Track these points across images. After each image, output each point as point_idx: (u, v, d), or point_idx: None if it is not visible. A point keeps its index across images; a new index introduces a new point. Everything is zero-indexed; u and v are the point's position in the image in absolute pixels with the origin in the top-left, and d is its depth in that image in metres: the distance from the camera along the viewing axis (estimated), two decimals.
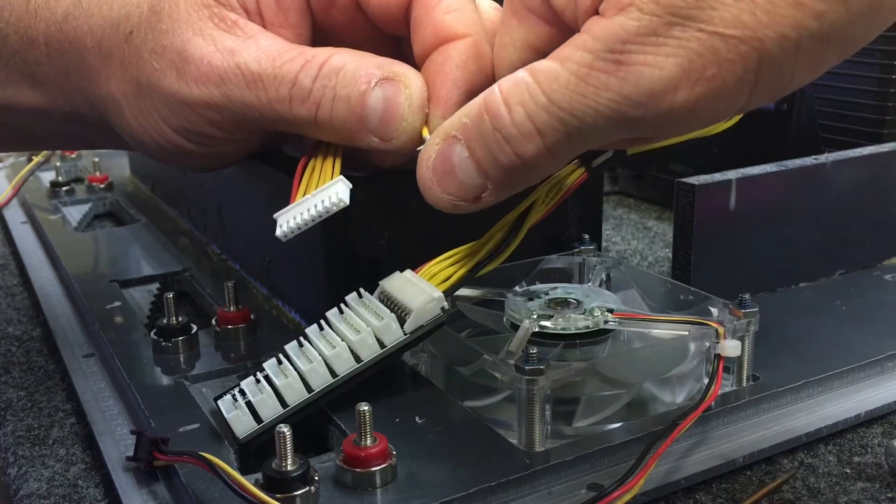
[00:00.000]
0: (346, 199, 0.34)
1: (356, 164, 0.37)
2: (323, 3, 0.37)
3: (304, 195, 0.34)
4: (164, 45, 0.35)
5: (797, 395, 0.36)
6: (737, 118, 0.37)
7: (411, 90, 0.34)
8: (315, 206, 0.34)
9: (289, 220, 0.34)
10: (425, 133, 0.34)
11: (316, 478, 0.29)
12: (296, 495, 0.28)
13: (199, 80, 0.34)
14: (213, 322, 0.42)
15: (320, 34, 0.38)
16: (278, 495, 0.28)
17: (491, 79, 0.36)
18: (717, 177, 0.43)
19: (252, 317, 0.42)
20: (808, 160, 0.47)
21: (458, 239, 0.35)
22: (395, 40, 0.39)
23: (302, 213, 0.34)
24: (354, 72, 0.34)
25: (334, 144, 0.36)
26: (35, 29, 0.37)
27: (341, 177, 0.35)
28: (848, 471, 0.33)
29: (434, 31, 0.35)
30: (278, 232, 0.34)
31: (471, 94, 0.35)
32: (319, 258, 0.40)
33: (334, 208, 0.34)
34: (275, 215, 0.35)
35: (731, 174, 0.44)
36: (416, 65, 0.35)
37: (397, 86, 0.34)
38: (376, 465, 0.29)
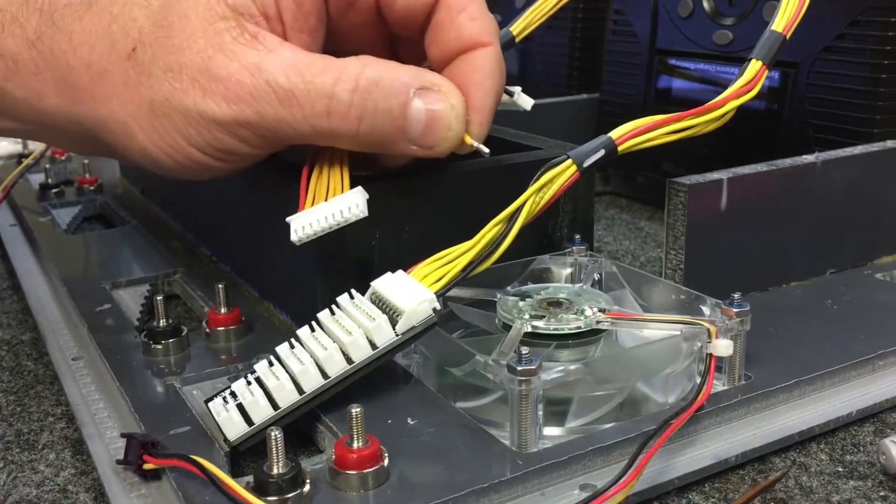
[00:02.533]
0: (366, 211, 0.34)
1: (358, 165, 0.37)
2: (342, 7, 0.37)
3: (313, 200, 0.35)
4: (181, 63, 0.34)
5: (789, 394, 0.36)
6: (728, 118, 0.37)
7: (455, 101, 0.34)
8: (333, 216, 0.34)
9: (304, 226, 0.34)
10: (468, 140, 0.36)
11: (307, 480, 0.29)
12: (287, 498, 0.28)
13: (230, 98, 0.33)
14: (204, 324, 0.42)
15: (326, 37, 0.38)
16: (269, 498, 0.28)
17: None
18: (709, 176, 0.44)
19: (243, 319, 0.42)
20: (799, 159, 0.47)
21: (449, 239, 0.35)
22: (390, 41, 0.39)
23: (319, 221, 0.34)
24: (392, 83, 0.33)
25: (340, 149, 0.36)
26: (2, 46, 0.35)
27: (360, 187, 0.35)
28: (840, 469, 0.33)
29: (458, 36, 0.36)
30: (293, 237, 0.34)
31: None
32: (311, 260, 0.39)
33: (353, 219, 0.34)
34: (288, 219, 0.35)
35: (723, 174, 0.44)
36: (420, 65, 0.36)
37: (436, 95, 0.34)
38: (368, 467, 0.29)
